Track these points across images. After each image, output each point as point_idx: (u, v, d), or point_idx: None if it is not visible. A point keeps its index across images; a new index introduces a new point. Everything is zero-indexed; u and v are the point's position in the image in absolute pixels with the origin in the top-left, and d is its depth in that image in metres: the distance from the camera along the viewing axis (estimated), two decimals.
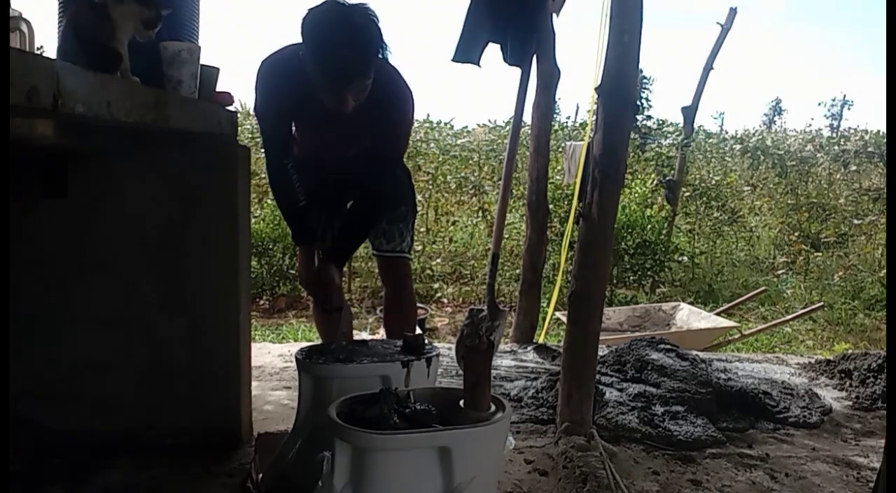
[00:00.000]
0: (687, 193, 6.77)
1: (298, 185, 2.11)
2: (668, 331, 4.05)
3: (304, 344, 2.30)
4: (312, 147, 2.24)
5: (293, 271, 5.09)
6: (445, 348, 3.05)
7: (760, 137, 10.97)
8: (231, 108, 2.00)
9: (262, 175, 4.66)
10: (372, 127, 1.99)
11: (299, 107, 1.97)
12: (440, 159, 6.81)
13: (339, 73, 1.77)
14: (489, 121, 8.78)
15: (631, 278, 5.80)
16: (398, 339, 1.82)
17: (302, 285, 2.31)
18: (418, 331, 2.08)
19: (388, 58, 1.91)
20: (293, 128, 2.18)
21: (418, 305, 3.07)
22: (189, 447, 2.00)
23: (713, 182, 7.11)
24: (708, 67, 5.93)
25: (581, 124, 8.38)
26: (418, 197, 3.15)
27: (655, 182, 6.45)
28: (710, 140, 10.39)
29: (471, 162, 7.03)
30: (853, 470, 2.11)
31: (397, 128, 2.05)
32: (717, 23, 5.79)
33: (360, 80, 1.80)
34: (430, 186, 6.62)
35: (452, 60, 3.13)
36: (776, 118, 29.48)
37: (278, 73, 1.91)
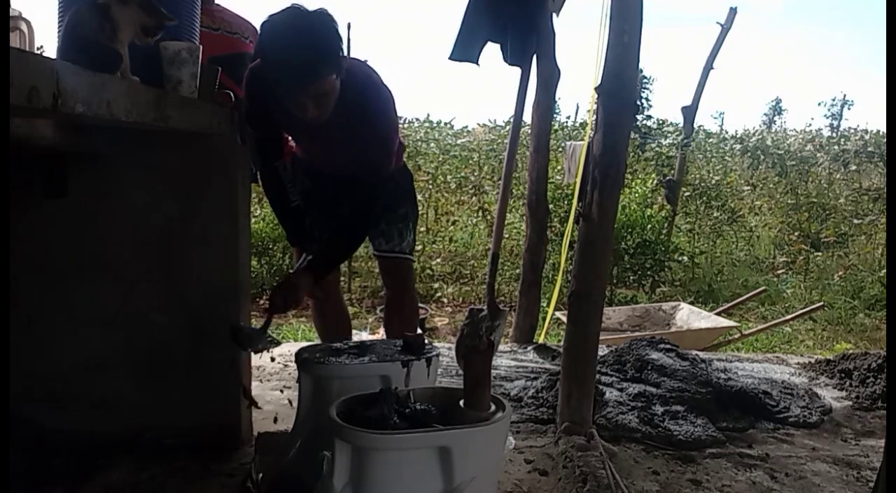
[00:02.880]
0: (687, 193, 6.77)
1: (291, 185, 2.12)
2: (668, 331, 4.04)
3: (304, 344, 2.30)
4: (306, 151, 2.24)
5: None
6: (445, 348, 3.05)
7: (760, 136, 10.96)
8: None
9: None
10: (356, 134, 1.96)
11: (284, 115, 1.95)
12: (440, 159, 6.82)
13: (288, 77, 1.74)
14: (489, 121, 8.81)
15: (631, 277, 5.80)
16: (398, 339, 1.82)
17: None
18: (418, 331, 2.08)
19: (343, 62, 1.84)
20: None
21: (419, 305, 3.06)
22: (189, 447, 2.00)
23: (713, 182, 7.11)
24: (708, 67, 5.93)
25: (581, 124, 8.39)
26: (418, 197, 3.14)
27: (655, 182, 6.45)
28: (710, 140, 10.41)
29: (471, 162, 7.03)
30: (853, 470, 2.11)
31: (380, 136, 1.99)
32: (717, 23, 5.80)
33: (314, 84, 1.75)
34: (430, 186, 6.62)
35: (450, 59, 3.13)
36: (776, 118, 29.56)
37: (265, 81, 1.90)
